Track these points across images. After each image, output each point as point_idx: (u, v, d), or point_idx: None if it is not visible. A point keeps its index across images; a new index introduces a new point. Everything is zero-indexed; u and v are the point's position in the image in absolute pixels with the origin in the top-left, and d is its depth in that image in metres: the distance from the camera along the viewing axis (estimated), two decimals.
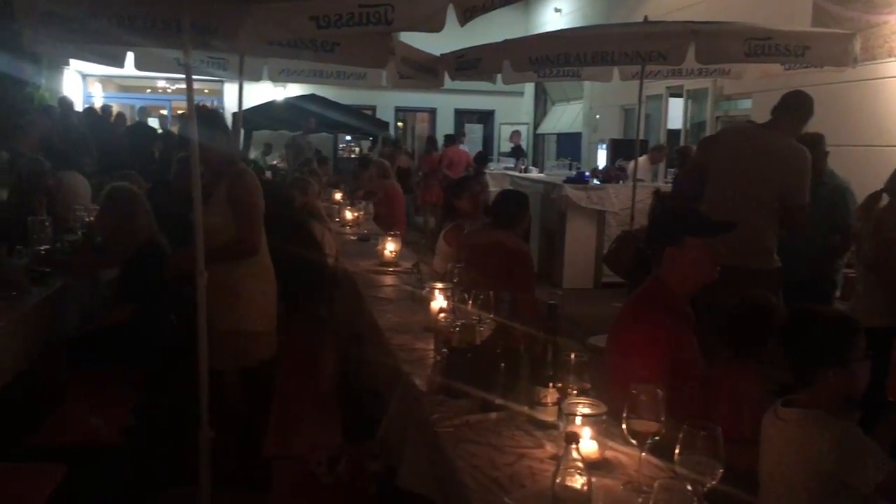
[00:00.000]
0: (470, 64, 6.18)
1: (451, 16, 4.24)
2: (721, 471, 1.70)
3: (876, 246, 4.22)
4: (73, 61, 16.28)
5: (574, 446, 1.67)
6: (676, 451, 1.73)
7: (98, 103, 17.74)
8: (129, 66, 6.68)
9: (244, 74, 6.68)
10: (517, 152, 15.52)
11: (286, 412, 3.54)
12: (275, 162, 15.99)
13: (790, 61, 5.90)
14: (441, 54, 6.53)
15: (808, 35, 5.95)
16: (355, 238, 6.53)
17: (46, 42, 5.86)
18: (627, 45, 5.53)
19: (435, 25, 4.28)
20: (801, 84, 7.95)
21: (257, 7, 4.46)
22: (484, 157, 14.06)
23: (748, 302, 3.11)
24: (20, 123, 11.39)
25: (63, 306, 4.34)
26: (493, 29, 6.66)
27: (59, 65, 17.21)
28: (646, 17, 6.72)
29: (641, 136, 8.22)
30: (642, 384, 1.93)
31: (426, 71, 6.34)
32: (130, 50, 6.36)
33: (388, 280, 4.74)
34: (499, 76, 7.10)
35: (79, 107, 15.04)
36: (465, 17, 4.17)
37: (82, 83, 19.30)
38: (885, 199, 4.36)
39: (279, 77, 7.60)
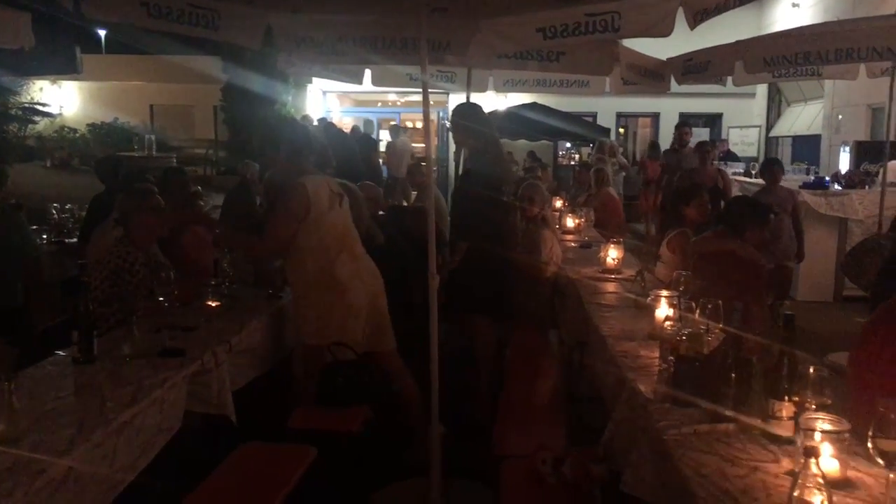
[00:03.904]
0: (699, 67, 6.00)
1: (678, 17, 4.17)
2: None
3: None
4: (315, 79, 17.75)
5: (814, 461, 1.61)
6: None
7: (336, 117, 19.18)
8: (367, 83, 7.21)
9: (471, 86, 6.96)
10: (727, 157, 14.65)
11: (513, 412, 3.66)
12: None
13: None
14: (667, 58, 6.40)
15: None
16: (577, 245, 6.55)
17: (297, 64, 6.47)
18: (876, 40, 5.10)
19: (664, 30, 4.23)
20: None
21: (486, 22, 4.66)
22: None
23: None
24: (271, 137, 12.62)
25: None
26: (721, 29, 6.32)
27: (303, 83, 18.86)
28: None
29: (892, 138, 7.49)
30: (892, 400, 1.80)
31: (651, 76, 6.25)
32: (368, 68, 6.87)
33: (611, 287, 4.72)
34: (729, 78, 6.82)
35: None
36: (696, 19, 4.08)
37: (323, 99, 20.94)
38: None
39: (504, 87, 7.82)
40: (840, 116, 14.42)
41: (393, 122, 18.05)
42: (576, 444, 3.35)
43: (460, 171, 7.15)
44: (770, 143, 19.09)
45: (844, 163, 11.44)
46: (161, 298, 3.63)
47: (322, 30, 4.83)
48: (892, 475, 1.81)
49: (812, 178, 9.86)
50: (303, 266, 4.02)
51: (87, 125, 21.50)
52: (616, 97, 14.68)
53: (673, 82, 6.51)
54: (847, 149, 11.71)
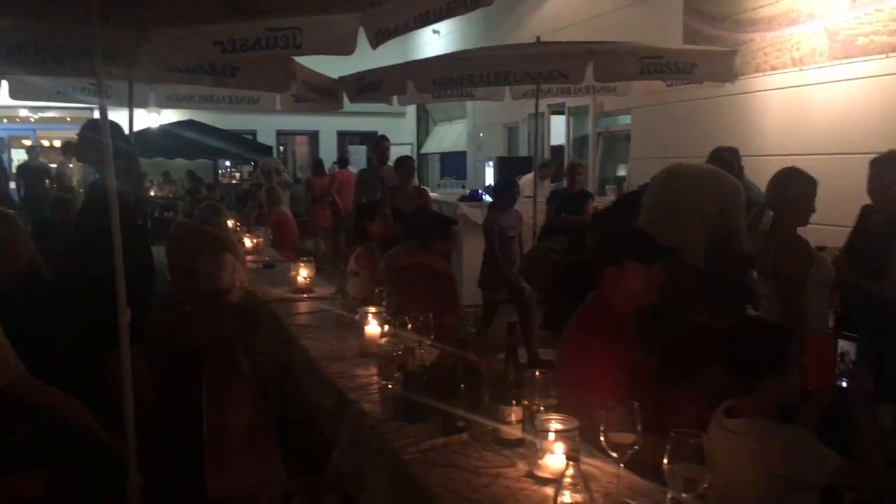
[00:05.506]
0: (371, 86, 6.17)
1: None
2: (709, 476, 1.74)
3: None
4: None
5: (573, 464, 1.69)
6: (665, 460, 1.75)
7: None
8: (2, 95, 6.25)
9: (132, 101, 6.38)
10: None
11: (220, 449, 3.40)
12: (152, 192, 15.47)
13: (679, 78, 6.20)
14: (340, 77, 6.49)
15: (695, 53, 6.29)
16: (260, 265, 6.36)
17: None
18: (529, 65, 5.68)
19: (345, 48, 4.28)
20: (679, 99, 8.46)
21: (159, 33, 4.32)
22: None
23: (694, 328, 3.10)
24: None
25: None
26: (371, 51, 6.10)
27: None
28: (538, 38, 6.90)
29: (528, 154, 8.36)
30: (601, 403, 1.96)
31: (325, 94, 6.29)
32: (3, 78, 5.96)
33: (305, 307, 4.65)
34: (394, 98, 7.11)
35: None
36: (377, 39, 4.19)
37: None
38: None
39: (167, 103, 7.34)
40: (481, 134, 15.89)
41: (27, 141, 16.09)
42: (295, 473, 3.22)
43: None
44: (421, 159, 20.43)
45: (490, 176, 12.63)
46: None
47: None
48: (622, 465, 1.97)
49: (467, 191, 10.69)
50: None
51: None
52: (277, 115, 14.58)
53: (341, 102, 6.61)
54: (491, 164, 12.94)
